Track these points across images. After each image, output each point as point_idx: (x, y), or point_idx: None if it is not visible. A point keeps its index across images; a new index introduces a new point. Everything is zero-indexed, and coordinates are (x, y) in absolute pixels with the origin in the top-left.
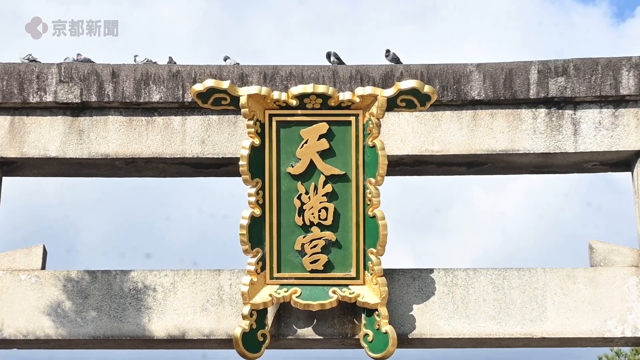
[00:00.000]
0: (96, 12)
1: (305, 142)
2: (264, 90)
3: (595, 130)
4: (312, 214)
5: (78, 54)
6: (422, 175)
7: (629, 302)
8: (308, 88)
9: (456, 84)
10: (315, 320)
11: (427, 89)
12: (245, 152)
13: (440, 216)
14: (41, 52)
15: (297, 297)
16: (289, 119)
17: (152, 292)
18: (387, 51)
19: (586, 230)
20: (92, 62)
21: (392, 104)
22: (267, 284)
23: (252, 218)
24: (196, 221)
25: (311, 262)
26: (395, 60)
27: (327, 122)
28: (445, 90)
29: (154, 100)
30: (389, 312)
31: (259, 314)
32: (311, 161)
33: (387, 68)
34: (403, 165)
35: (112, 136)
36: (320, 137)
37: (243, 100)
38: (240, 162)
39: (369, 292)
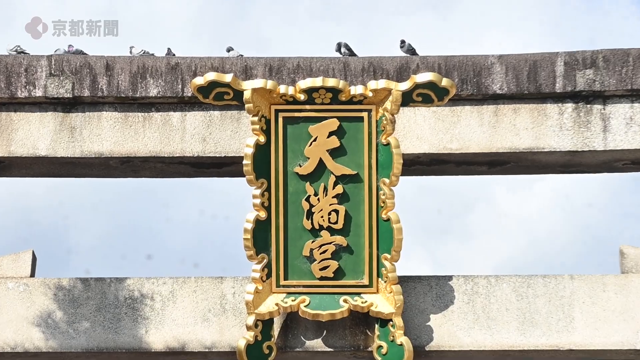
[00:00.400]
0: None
1: (314, 140)
2: (270, 84)
3: (626, 127)
4: (322, 217)
5: (70, 46)
6: (440, 175)
7: None
8: (317, 81)
9: (476, 77)
10: (325, 332)
11: (445, 82)
12: (250, 151)
13: (459, 219)
14: (38, 51)
15: (305, 306)
16: (296, 114)
17: (150, 301)
18: (402, 42)
19: (617, 234)
20: (85, 54)
21: (407, 99)
22: (273, 293)
23: (257, 221)
24: (197, 225)
25: (320, 269)
26: (411, 51)
27: (338, 118)
28: (465, 84)
29: (151, 95)
30: (405, 322)
31: (265, 324)
32: (320, 160)
33: (402, 60)
34: (419, 165)
35: (106, 134)
36: (330, 134)
37: (247, 95)
38: (244, 162)
39: (383, 301)
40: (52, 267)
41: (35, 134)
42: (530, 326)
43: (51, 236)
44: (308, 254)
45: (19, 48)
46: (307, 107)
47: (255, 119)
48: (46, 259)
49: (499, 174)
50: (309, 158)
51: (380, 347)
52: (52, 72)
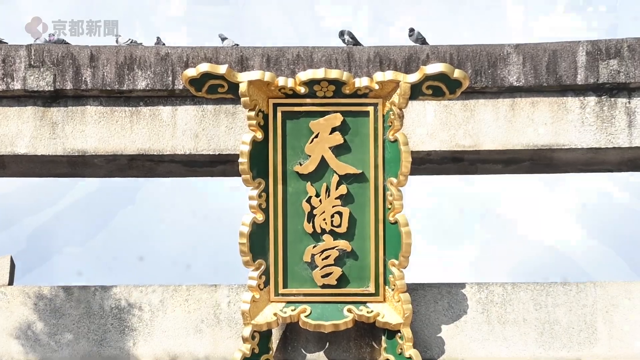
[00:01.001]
0: None
1: (316, 136)
2: (268, 75)
3: None
4: (324, 219)
5: (51, 35)
6: (451, 174)
7: None
8: (318, 73)
9: (491, 68)
10: (327, 344)
11: (457, 73)
12: (246, 148)
13: (473, 222)
14: None
15: (306, 316)
16: (296, 109)
17: (138, 311)
18: (411, 30)
19: None
20: (67, 43)
21: (416, 92)
22: (272, 302)
23: (254, 225)
24: (188, 229)
25: (323, 276)
26: (421, 40)
27: (341, 112)
28: (479, 76)
29: (139, 87)
30: (414, 333)
31: (262, 336)
32: (322, 158)
33: (410, 50)
34: (429, 163)
35: (90, 130)
36: (333, 130)
37: (243, 88)
38: (240, 160)
39: (390, 311)
40: (34, 273)
41: (14, 130)
42: (549, 337)
43: (23, 244)
44: (309, 260)
45: None
46: (308, 100)
47: (252, 113)
48: (28, 265)
49: (516, 172)
50: (310, 156)
51: None
52: (32, 63)
